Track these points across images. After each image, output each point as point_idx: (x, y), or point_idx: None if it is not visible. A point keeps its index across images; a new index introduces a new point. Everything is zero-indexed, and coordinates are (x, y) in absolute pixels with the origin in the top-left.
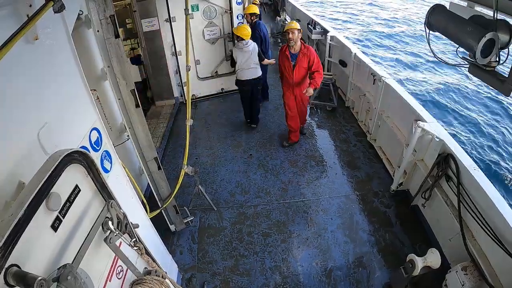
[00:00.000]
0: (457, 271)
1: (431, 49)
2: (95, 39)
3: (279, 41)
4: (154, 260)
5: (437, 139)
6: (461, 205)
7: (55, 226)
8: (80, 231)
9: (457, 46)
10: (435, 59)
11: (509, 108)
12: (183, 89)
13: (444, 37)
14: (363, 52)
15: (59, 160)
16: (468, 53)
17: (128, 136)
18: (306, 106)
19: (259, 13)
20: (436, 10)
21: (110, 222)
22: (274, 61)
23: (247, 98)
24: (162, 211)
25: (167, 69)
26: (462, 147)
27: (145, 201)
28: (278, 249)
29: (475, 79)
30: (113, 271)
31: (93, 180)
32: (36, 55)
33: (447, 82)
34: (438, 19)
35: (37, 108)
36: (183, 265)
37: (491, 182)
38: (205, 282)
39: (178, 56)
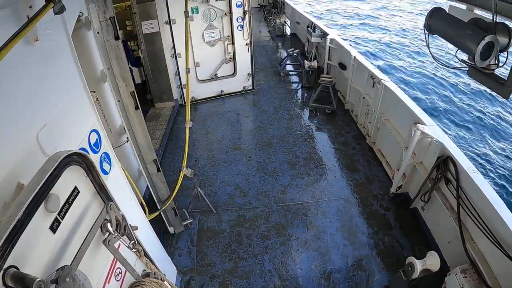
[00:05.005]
0: (456, 274)
1: (430, 52)
2: (95, 40)
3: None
4: (152, 262)
5: (436, 142)
6: (461, 208)
7: (53, 228)
8: (78, 233)
9: (457, 49)
10: (435, 62)
11: (508, 111)
12: (182, 91)
13: (443, 40)
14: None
15: (58, 162)
16: (467, 56)
17: (127, 138)
18: None
19: None
20: (436, 13)
21: (109, 224)
22: None
23: None
24: (161, 213)
25: (167, 71)
26: (461, 150)
27: (144, 203)
28: (277, 251)
29: (474, 82)
30: (112, 273)
31: (92, 182)
32: (36, 56)
33: (446, 85)
34: (437, 22)
35: (37, 109)
36: (182, 267)
37: (490, 185)
38: (204, 285)
39: (178, 58)
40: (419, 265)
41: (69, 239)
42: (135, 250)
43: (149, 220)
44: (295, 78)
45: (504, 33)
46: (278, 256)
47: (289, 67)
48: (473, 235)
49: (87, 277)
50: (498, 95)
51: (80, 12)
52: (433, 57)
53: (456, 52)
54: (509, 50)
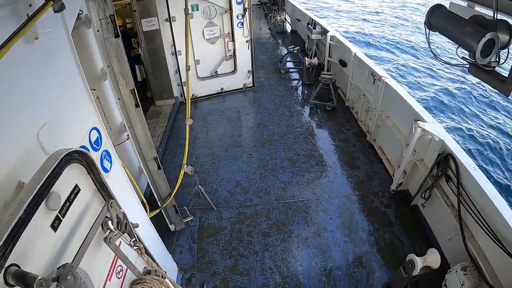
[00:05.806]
0: (456, 271)
1: (431, 49)
2: (95, 38)
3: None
4: (153, 260)
5: (437, 139)
6: (461, 205)
7: (54, 226)
8: (79, 231)
9: (457, 46)
10: (435, 59)
11: (509, 108)
12: (183, 89)
13: (444, 37)
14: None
15: (59, 160)
16: (468, 53)
17: (127, 135)
18: None
19: None
20: (436, 10)
21: (109, 222)
22: None
23: None
24: (162, 210)
25: (167, 69)
26: (461, 147)
27: (144, 200)
28: (277, 248)
29: (475, 79)
30: (113, 270)
31: (92, 179)
32: (36, 54)
33: (447, 82)
34: (438, 19)
35: (37, 108)
36: (183, 264)
37: (491, 182)
38: (205, 282)
39: (178, 56)
40: (419, 262)
41: (70, 237)
42: (136, 247)
43: (150, 218)
44: (295, 75)
45: (505, 31)
46: (278, 253)
47: (289, 64)
48: (473, 232)
49: (88, 275)
50: (499, 93)
51: (80, 10)
52: (434, 54)
53: (456, 49)
54: (510, 47)
